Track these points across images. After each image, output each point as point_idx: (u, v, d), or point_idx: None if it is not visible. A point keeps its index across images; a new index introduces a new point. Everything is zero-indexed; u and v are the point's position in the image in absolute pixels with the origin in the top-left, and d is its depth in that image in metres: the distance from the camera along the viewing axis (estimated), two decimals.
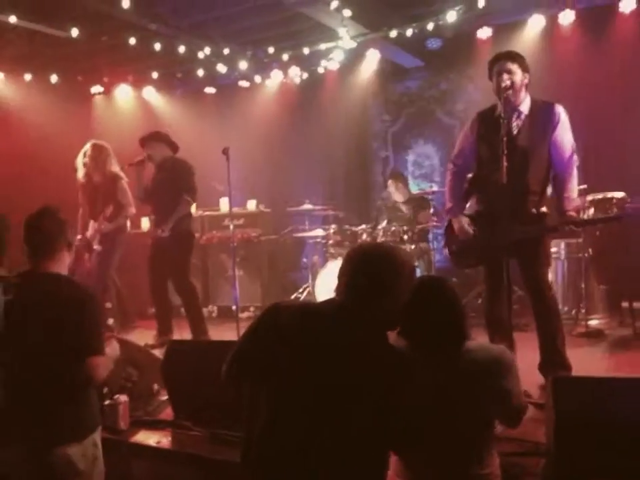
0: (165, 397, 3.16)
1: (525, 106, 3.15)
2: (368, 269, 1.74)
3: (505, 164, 2.83)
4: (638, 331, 4.28)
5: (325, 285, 5.55)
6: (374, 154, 7.45)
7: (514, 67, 3.09)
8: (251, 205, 6.65)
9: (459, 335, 1.85)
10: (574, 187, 3.11)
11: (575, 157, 3.12)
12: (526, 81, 3.14)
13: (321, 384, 1.62)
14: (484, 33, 6.14)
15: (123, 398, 2.92)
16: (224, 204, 6.38)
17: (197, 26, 6.14)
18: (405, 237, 5.57)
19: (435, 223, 5.82)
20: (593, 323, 4.56)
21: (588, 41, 5.70)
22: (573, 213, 3.07)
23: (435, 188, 6.21)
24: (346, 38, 6.05)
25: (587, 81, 5.71)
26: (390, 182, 5.98)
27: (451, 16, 5.68)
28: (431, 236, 5.88)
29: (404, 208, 5.86)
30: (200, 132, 7.12)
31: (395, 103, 7.27)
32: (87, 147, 5.05)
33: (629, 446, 2.05)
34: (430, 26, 5.85)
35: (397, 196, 5.93)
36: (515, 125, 3.13)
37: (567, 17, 5.77)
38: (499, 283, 3.13)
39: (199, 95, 7.68)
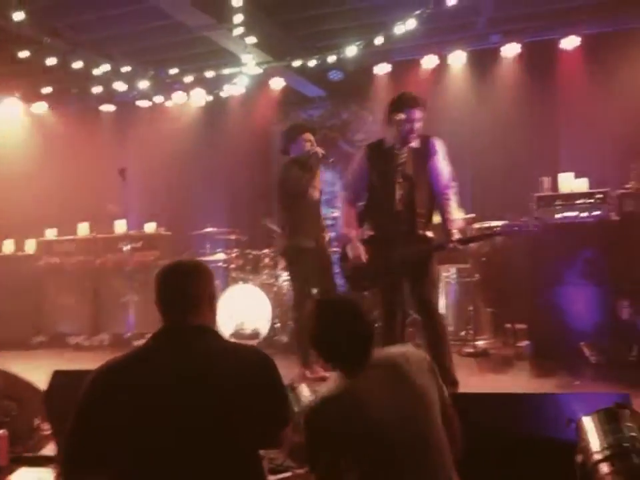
0: (48, 432, 2.93)
1: (416, 142, 3.42)
2: (177, 285, 1.70)
3: (398, 191, 3.09)
4: (519, 351, 4.59)
5: (226, 309, 5.46)
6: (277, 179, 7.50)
7: (421, 115, 3.34)
8: (150, 227, 6.43)
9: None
10: (453, 209, 3.37)
11: (453, 183, 3.41)
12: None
13: (189, 422, 1.49)
14: (382, 68, 6.51)
15: (2, 433, 2.68)
16: (119, 226, 6.12)
17: (96, 42, 5.94)
18: None
19: (334, 249, 5.95)
20: (480, 343, 4.85)
21: (476, 80, 6.21)
22: (455, 232, 3.31)
23: (337, 213, 6.36)
24: (250, 64, 6.13)
25: (473, 117, 6.19)
26: None
27: (351, 50, 5.94)
28: (334, 259, 5.97)
29: None
30: (96, 151, 6.83)
31: None
32: None
33: (508, 458, 2.19)
34: (331, 58, 6.08)
35: None
36: (404, 156, 3.40)
37: (456, 58, 6.27)
38: (393, 304, 3.29)
39: (95, 113, 7.38)
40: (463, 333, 5.02)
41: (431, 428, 1.69)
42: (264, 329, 5.33)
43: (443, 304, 5.34)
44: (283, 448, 2.48)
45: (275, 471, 2.56)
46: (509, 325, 4.86)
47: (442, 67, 6.40)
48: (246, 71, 6.29)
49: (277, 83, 6.83)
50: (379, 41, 5.73)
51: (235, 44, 5.73)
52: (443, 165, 3.39)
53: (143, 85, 6.64)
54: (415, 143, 3.41)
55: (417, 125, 3.33)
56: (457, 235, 3.31)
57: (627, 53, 5.58)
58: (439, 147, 3.43)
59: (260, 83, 6.75)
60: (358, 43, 5.91)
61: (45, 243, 6.19)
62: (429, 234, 3.44)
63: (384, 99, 6.63)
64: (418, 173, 3.37)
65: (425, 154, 3.39)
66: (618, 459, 1.81)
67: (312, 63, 6.14)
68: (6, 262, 6.09)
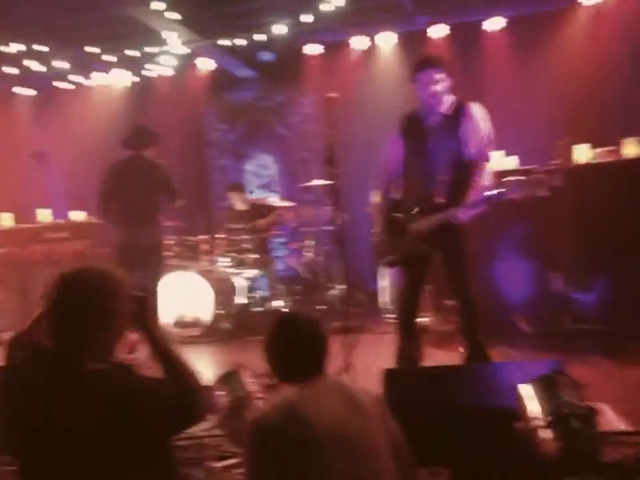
0: None
1: (444, 107, 3.21)
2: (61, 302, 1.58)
3: (425, 161, 3.05)
4: (459, 326, 4.70)
5: (166, 298, 5.29)
6: (212, 162, 7.34)
7: (437, 76, 3.12)
8: (77, 215, 6.09)
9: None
10: (475, 183, 3.12)
11: (489, 153, 3.20)
12: (447, 84, 3.19)
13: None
14: (312, 49, 6.43)
15: None
16: (43, 215, 5.77)
17: (9, 20, 5.51)
18: (246, 246, 5.55)
19: (275, 232, 5.89)
20: (421, 320, 4.94)
21: (405, 62, 6.25)
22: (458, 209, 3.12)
23: (275, 198, 6.30)
24: (175, 43, 5.90)
25: (405, 98, 6.23)
26: (230, 194, 5.94)
27: (279, 29, 5.82)
28: (272, 245, 5.92)
29: (244, 217, 5.83)
30: (13, 137, 6.40)
31: (230, 112, 7.25)
32: None
33: (451, 427, 2.24)
34: (261, 37, 5.94)
35: (240, 205, 5.90)
36: (432, 123, 3.22)
37: (386, 40, 6.28)
38: (412, 279, 3.35)
39: (9, 95, 6.90)
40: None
41: (371, 463, 1.65)
42: (206, 317, 5.22)
43: (384, 283, 5.42)
44: (228, 433, 2.45)
45: (221, 458, 2.51)
46: (448, 302, 4.97)
47: (372, 48, 6.40)
48: (171, 49, 6.05)
49: (207, 64, 6.61)
50: (307, 18, 5.65)
51: (158, 21, 5.49)
52: (476, 132, 3.13)
53: (60, 65, 6.25)
54: (444, 109, 3.18)
55: (435, 88, 3.09)
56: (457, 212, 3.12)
57: (551, 34, 5.78)
58: (476, 112, 3.16)
59: (189, 63, 6.51)
60: (286, 21, 5.81)
61: (1, 232, 5.76)
62: (451, 203, 3.17)
63: (316, 80, 6.63)
64: (447, 141, 3.13)
65: (455, 120, 3.15)
66: (559, 424, 1.88)
67: (241, 42, 5.98)
68: None
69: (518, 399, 2.08)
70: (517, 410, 2.08)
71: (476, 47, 6.08)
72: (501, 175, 4.58)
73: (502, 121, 5.84)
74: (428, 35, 6.17)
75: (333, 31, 6.23)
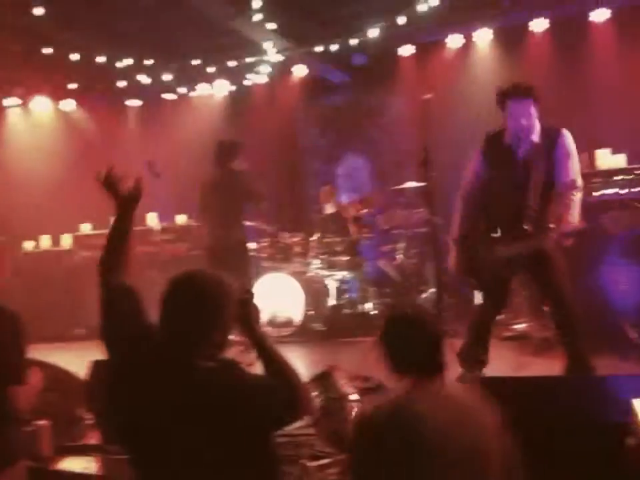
0: (90, 421, 2.98)
1: (535, 134, 3.11)
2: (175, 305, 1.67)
3: (513, 189, 3.02)
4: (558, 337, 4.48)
5: (259, 299, 5.46)
6: (305, 167, 7.49)
7: (528, 108, 3.01)
8: (181, 219, 6.47)
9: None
10: (573, 212, 3.02)
11: (579, 184, 3.09)
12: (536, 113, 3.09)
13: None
14: (406, 50, 6.38)
15: (45, 424, 2.74)
16: (151, 219, 6.18)
17: (118, 36, 5.97)
18: (338, 248, 5.61)
19: (365, 234, 5.91)
20: (519, 327, 4.75)
21: (504, 58, 6.04)
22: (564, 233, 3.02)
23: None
24: (271, 52, 6.09)
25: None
26: (321, 194, 6.04)
27: (374, 32, 5.84)
28: (363, 248, 5.94)
29: (336, 219, 5.90)
30: (124, 145, 6.89)
31: (323, 117, 7.36)
32: None
33: (557, 441, 2.13)
34: (354, 42, 5.99)
35: (329, 208, 5.98)
36: (522, 152, 3.12)
37: (483, 37, 6.11)
38: (493, 300, 3.38)
39: (121, 107, 7.44)
40: (500, 317, 4.93)
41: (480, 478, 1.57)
42: (297, 317, 5.33)
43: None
44: (321, 433, 2.48)
45: (314, 457, 2.56)
46: (547, 308, 4.75)
47: (468, 46, 6.24)
48: (268, 58, 6.25)
49: (300, 70, 6.76)
50: (401, 20, 5.62)
51: (256, 32, 5.70)
52: (568, 162, 3.06)
53: (167, 77, 6.66)
54: (535, 137, 3.09)
55: (526, 121, 3.00)
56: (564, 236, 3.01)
57: None
58: (567, 142, 3.08)
59: (283, 70, 6.70)
60: (380, 24, 5.81)
61: (80, 237, 6.30)
62: (541, 230, 3.12)
63: (409, 82, 6.57)
64: (538, 171, 3.05)
65: (548, 148, 3.07)
66: None
67: (334, 47, 6.06)
68: (43, 257, 6.24)
69: (633, 414, 1.95)
70: (629, 425, 1.95)
71: (579, 39, 5.76)
72: (608, 173, 4.34)
73: (608, 117, 5.55)
74: (529, 29, 5.92)
75: (426, 31, 6.16)
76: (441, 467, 1.51)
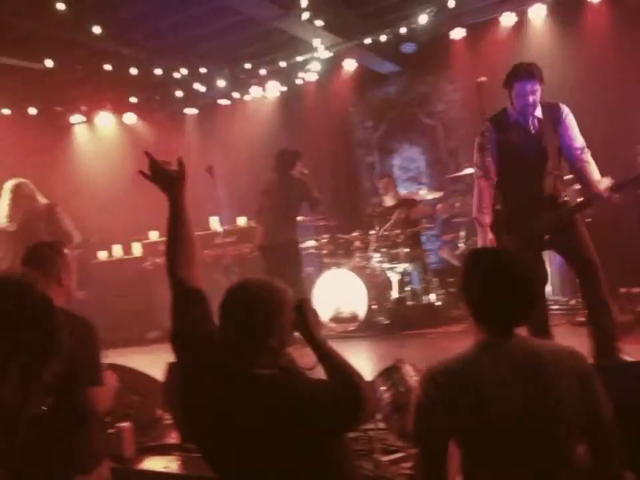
0: (169, 421, 3.10)
1: (538, 110, 3.31)
2: (234, 315, 1.68)
3: (532, 163, 3.18)
4: (638, 316, 4.28)
5: (322, 295, 5.52)
6: (360, 161, 7.47)
7: (534, 87, 3.21)
8: (242, 221, 6.62)
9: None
10: (594, 172, 3.26)
11: (586, 149, 3.31)
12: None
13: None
14: (457, 33, 6.22)
15: (127, 425, 2.87)
16: (214, 222, 6.35)
17: (172, 47, 6.15)
18: (398, 240, 5.57)
19: (425, 225, 5.83)
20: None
21: (560, 33, 5.78)
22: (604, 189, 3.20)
23: (424, 190, 6.22)
24: (320, 49, 6.10)
25: (562, 73, 5.79)
26: (380, 185, 6.01)
27: (423, 19, 5.73)
28: (423, 238, 5.88)
29: (394, 211, 5.85)
30: (185, 153, 7.10)
31: (376, 109, 7.31)
32: (11, 185, 4.54)
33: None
34: (403, 30, 5.90)
35: (388, 199, 5.94)
36: (532, 128, 3.31)
37: (537, 12, 5.87)
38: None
39: (179, 116, 7.69)
40: (573, 302, 4.75)
41: (554, 438, 1.53)
42: (361, 312, 5.34)
43: (548, 270, 5.09)
44: (392, 428, 2.48)
45: (387, 452, 2.56)
46: (623, 289, 4.53)
47: (521, 23, 6.01)
48: (317, 55, 6.26)
49: (350, 64, 6.74)
50: (451, 3, 5.49)
51: (304, 30, 5.72)
52: (573, 131, 3.30)
53: (220, 84, 6.81)
54: (538, 112, 3.29)
55: (532, 98, 3.20)
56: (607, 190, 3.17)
57: None
58: (568, 114, 3.32)
59: (333, 66, 6.69)
60: (429, 9, 5.70)
61: (149, 245, 6.56)
62: (566, 198, 3.40)
63: (461, 65, 6.41)
64: (548, 142, 3.28)
65: (551, 122, 3.30)
66: None
67: (383, 38, 6.00)
68: (116, 265, 6.53)
69: None
70: None
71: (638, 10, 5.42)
72: None
73: None
74: (586, 0, 5.64)
75: (477, 11, 5.98)
76: (500, 434, 1.52)
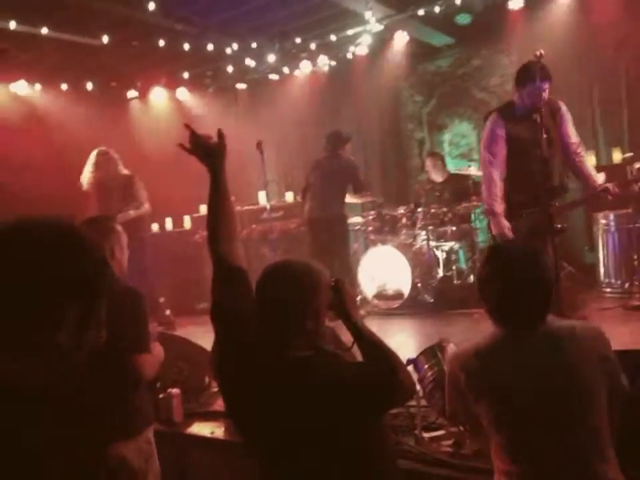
0: (216, 389, 3.21)
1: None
2: (268, 297, 1.66)
3: (541, 156, 3.26)
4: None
5: (367, 271, 5.52)
6: (409, 136, 7.36)
7: (548, 86, 3.40)
8: (289, 196, 6.67)
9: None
10: (591, 167, 3.58)
11: (582, 145, 3.57)
12: None
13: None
14: (515, 3, 5.96)
15: (176, 391, 2.99)
16: (262, 197, 6.43)
17: (223, 23, 6.17)
18: (445, 218, 5.49)
19: (475, 203, 5.71)
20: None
21: (623, 9, 5.46)
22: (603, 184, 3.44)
23: (474, 167, 6.08)
24: (372, 21, 5.98)
25: (630, 43, 5.50)
26: (428, 162, 5.92)
27: None
28: (472, 216, 5.76)
29: (443, 188, 5.75)
30: (234, 128, 7.18)
31: (426, 83, 7.15)
32: (95, 154, 5.15)
33: None
34: (458, 1, 5.71)
35: (436, 176, 5.85)
36: (539, 121, 3.41)
37: None
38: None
39: (230, 91, 7.74)
40: (627, 285, 4.58)
41: (581, 413, 1.55)
42: (406, 289, 5.32)
43: (600, 254, 4.92)
44: (434, 406, 2.48)
45: (427, 428, 2.58)
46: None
47: None
48: (369, 28, 6.14)
49: (401, 37, 6.59)
50: None
51: (355, 2, 5.62)
52: (571, 127, 3.53)
53: (271, 59, 6.81)
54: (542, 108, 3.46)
55: (544, 96, 3.39)
56: (606, 184, 3.40)
57: None
58: (564, 109, 3.54)
59: (384, 39, 6.56)
60: None
61: (198, 218, 6.72)
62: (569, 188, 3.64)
63: (519, 38, 6.16)
64: (554, 136, 3.47)
65: (554, 117, 3.51)
66: None
67: (437, 9, 5.82)
68: (168, 237, 6.76)
69: None
70: None
71: None
72: None
73: None
74: None
75: None
76: (522, 423, 1.56)
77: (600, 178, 3.49)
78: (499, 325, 1.67)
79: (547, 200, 3.31)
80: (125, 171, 5.24)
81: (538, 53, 3.17)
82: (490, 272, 1.67)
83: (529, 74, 3.35)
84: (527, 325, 1.63)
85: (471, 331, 4.27)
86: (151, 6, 5.22)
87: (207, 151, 1.86)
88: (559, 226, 3.36)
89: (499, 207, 3.46)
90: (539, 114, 3.34)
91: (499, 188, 3.48)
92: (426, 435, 2.52)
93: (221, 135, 1.87)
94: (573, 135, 3.52)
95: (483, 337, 1.70)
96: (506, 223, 3.45)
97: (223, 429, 2.88)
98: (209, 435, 2.85)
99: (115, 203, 5.05)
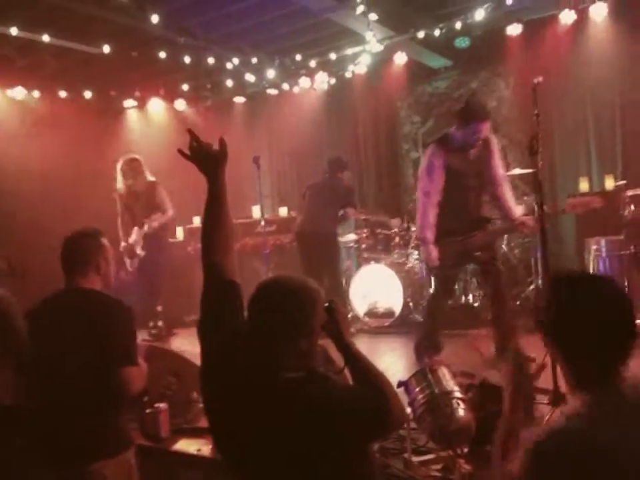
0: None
1: None
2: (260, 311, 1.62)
3: (472, 188, 3.62)
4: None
5: (359, 289, 5.52)
6: (404, 156, 7.40)
7: (488, 126, 3.66)
8: (283, 211, 6.67)
9: None
10: (513, 201, 3.83)
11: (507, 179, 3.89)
12: None
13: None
14: (514, 29, 6.04)
15: (164, 406, 2.94)
16: (256, 211, 6.42)
17: (225, 37, 6.21)
18: None
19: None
20: None
21: (619, 34, 5.55)
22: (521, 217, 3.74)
23: None
24: (372, 42, 6.03)
25: (621, 74, 5.59)
26: None
27: (480, 14, 5.60)
28: None
29: None
30: (231, 141, 7.17)
31: (424, 104, 7.21)
32: (123, 160, 5.25)
33: None
34: (458, 25, 5.78)
35: None
36: (474, 156, 3.75)
37: (598, 10, 5.64)
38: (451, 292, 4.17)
39: (228, 105, 7.76)
40: None
41: None
42: (397, 308, 5.32)
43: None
44: (424, 429, 2.46)
45: (417, 452, 2.55)
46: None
47: (580, 22, 5.77)
48: (369, 48, 6.20)
49: (401, 58, 6.65)
50: (509, 0, 5.35)
51: (357, 22, 5.67)
52: (498, 158, 3.78)
53: (270, 74, 6.84)
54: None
55: (483, 134, 3.62)
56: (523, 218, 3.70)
57: None
58: (495, 142, 3.79)
59: (383, 59, 6.62)
60: (486, 5, 5.55)
61: (191, 230, 6.69)
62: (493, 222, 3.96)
63: (516, 62, 6.24)
64: (483, 170, 3.72)
65: (486, 152, 3.74)
66: None
67: (437, 32, 5.89)
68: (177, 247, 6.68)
69: None
70: None
71: None
72: None
73: None
74: None
75: (535, 9, 5.80)
76: None
77: (518, 210, 3.72)
78: (580, 373, 1.35)
79: (470, 229, 3.58)
80: (151, 178, 5.36)
81: (536, 81, 3.19)
82: (572, 306, 1.35)
83: (471, 114, 3.58)
84: (617, 366, 1.32)
85: (462, 353, 4.25)
86: (155, 18, 5.24)
87: (208, 158, 1.82)
88: (479, 254, 3.65)
89: (430, 235, 3.65)
90: (475, 147, 3.62)
91: (431, 216, 3.67)
92: (415, 458, 2.50)
93: (222, 142, 1.84)
94: (499, 167, 3.75)
95: (562, 416, 1.31)
96: (435, 252, 3.67)
97: (210, 446, 2.84)
98: (194, 452, 2.80)
99: (138, 211, 5.20)
